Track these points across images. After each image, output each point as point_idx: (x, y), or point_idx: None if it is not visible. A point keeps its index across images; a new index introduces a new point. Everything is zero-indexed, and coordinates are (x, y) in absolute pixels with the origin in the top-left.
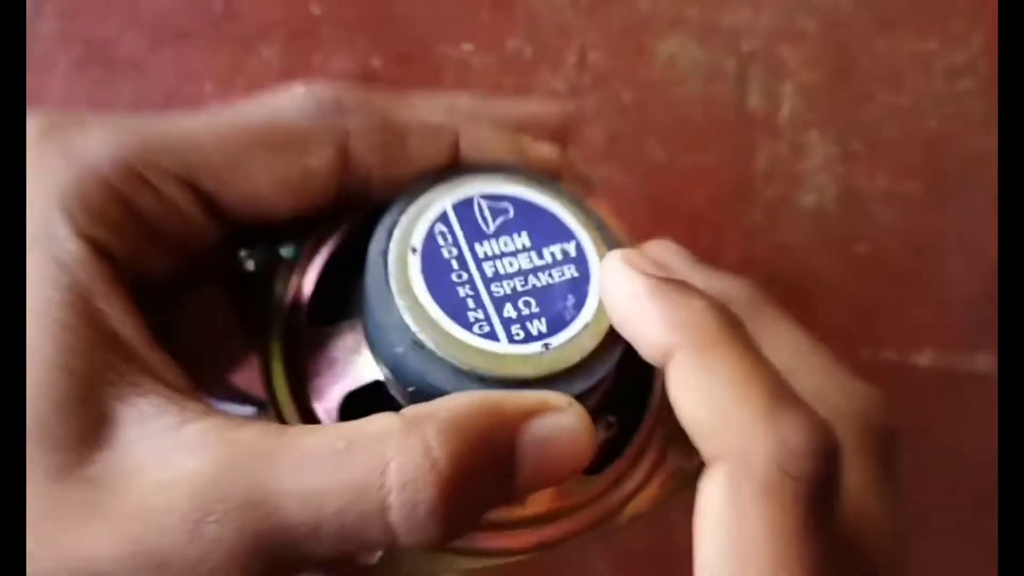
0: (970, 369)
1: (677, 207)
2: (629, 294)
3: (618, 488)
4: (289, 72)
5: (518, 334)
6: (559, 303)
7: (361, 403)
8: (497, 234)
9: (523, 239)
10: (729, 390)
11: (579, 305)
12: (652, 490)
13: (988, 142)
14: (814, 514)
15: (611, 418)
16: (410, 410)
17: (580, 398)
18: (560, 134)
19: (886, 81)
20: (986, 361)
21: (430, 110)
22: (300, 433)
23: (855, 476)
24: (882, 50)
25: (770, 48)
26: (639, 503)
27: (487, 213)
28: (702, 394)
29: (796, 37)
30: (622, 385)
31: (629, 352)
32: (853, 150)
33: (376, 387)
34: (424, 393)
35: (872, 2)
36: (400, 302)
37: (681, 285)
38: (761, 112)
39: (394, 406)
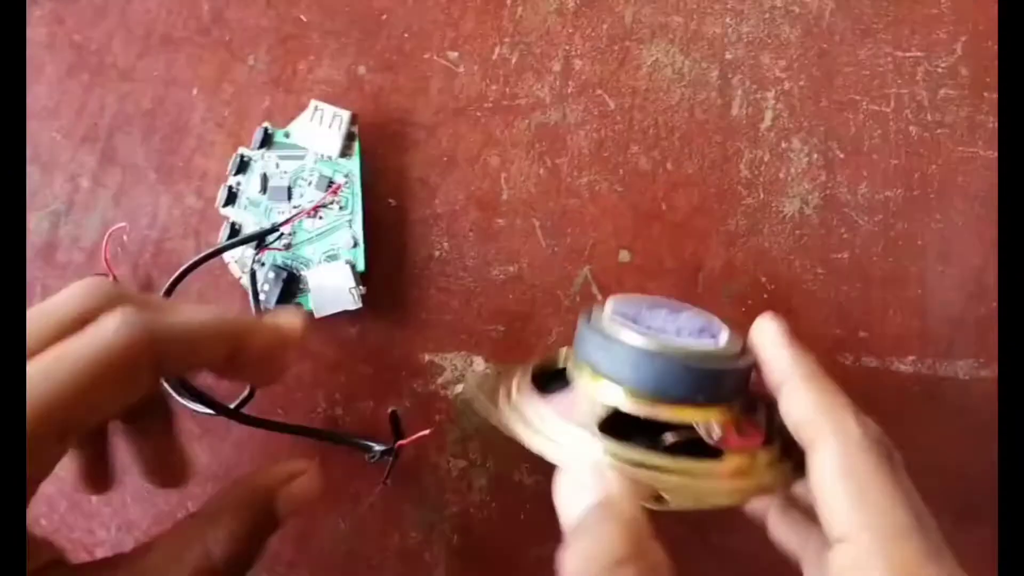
0: (951, 375)
1: (661, 214)
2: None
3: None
4: (276, 79)
5: (694, 337)
6: (706, 331)
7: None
8: (648, 310)
9: (663, 312)
10: (825, 398)
11: (717, 334)
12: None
13: (970, 149)
14: (892, 466)
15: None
16: None
17: (744, 380)
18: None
19: (868, 89)
20: (967, 367)
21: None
22: None
23: None
24: (864, 58)
25: (753, 56)
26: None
27: (637, 309)
28: (807, 400)
29: (778, 45)
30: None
31: None
32: (835, 157)
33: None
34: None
35: (854, 10)
36: (622, 339)
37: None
38: (744, 120)
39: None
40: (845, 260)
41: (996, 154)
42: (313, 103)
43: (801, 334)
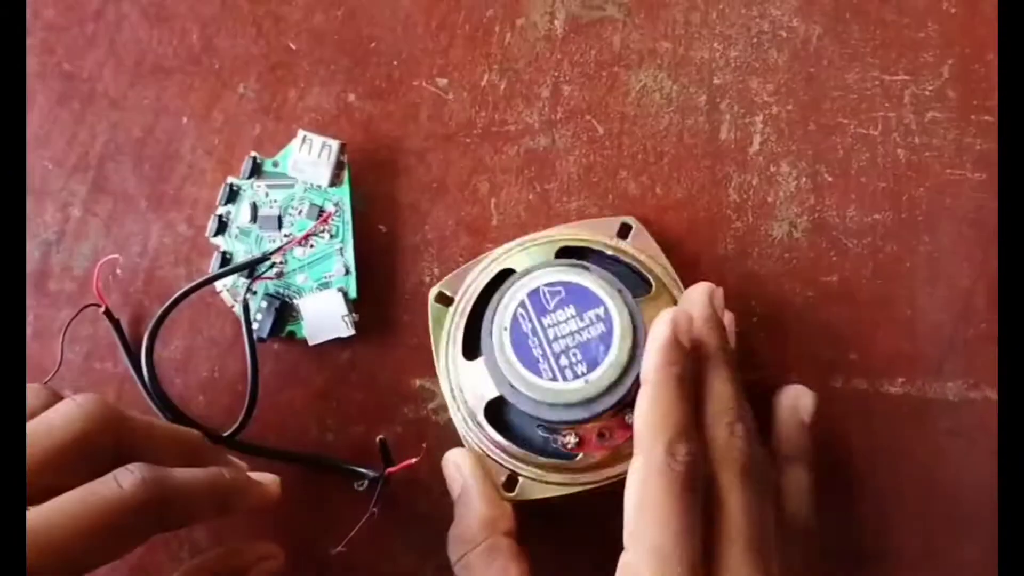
0: (941, 397)
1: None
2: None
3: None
4: (266, 107)
5: (568, 375)
6: (594, 350)
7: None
8: (555, 309)
9: (571, 310)
10: (653, 416)
11: (607, 349)
12: None
13: (958, 172)
14: (683, 496)
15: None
16: None
17: (614, 404)
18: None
19: (856, 112)
20: (956, 389)
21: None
22: None
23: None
24: (851, 81)
25: (741, 81)
26: None
27: (547, 296)
28: (640, 412)
29: (766, 70)
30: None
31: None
32: (824, 181)
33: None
34: (523, 410)
35: (841, 34)
36: (502, 364)
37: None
38: (732, 144)
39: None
40: (834, 283)
41: (984, 176)
42: (301, 133)
43: (791, 357)
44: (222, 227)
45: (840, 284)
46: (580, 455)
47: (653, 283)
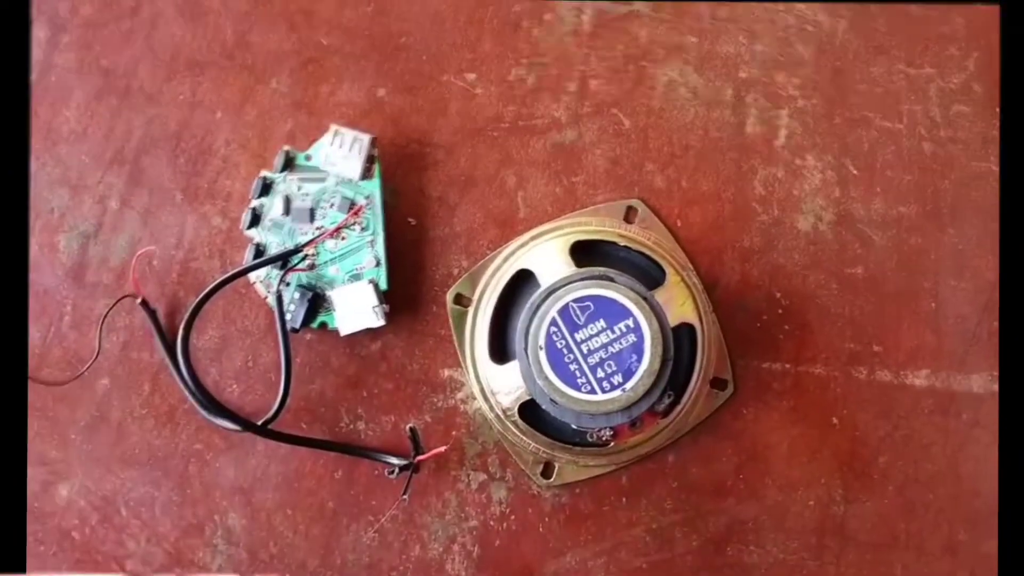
0: (966, 389)
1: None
2: None
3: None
4: (298, 102)
5: (606, 387)
6: (627, 360)
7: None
8: (586, 323)
9: (601, 323)
10: None
11: (639, 358)
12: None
13: (983, 165)
14: None
15: (670, 393)
16: None
17: (650, 407)
18: None
19: (881, 106)
20: (981, 381)
21: None
22: None
23: None
24: (877, 75)
25: (767, 75)
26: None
27: (577, 312)
28: None
29: (792, 64)
30: (675, 378)
31: (676, 365)
32: (849, 174)
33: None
34: (562, 419)
35: (866, 28)
36: (541, 383)
37: None
38: (758, 137)
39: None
40: (859, 275)
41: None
42: (333, 127)
43: (816, 348)
44: (256, 219)
45: (865, 276)
46: (613, 444)
47: (667, 271)
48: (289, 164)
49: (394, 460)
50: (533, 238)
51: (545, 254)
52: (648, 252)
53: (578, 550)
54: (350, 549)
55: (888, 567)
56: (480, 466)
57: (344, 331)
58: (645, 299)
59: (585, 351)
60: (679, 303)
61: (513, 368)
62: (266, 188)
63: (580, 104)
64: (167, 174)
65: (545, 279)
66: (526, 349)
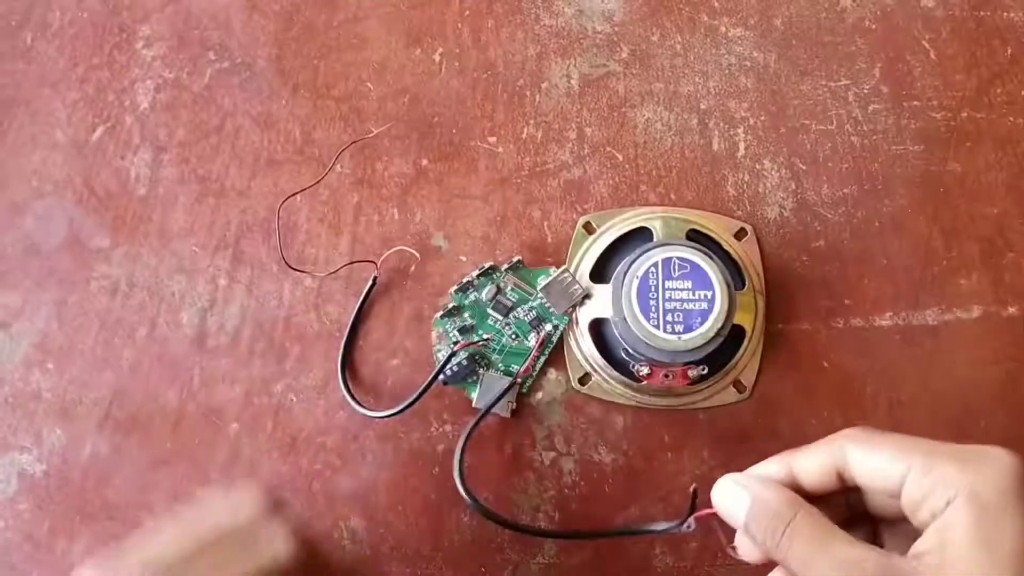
0: (922, 323)
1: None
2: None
3: (705, 392)
4: (360, 179)
5: (668, 328)
6: (694, 319)
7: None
8: (678, 278)
9: (688, 283)
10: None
11: (703, 322)
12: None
13: (901, 148)
14: None
15: (704, 367)
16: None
17: (689, 361)
18: None
19: (814, 114)
20: (933, 315)
21: None
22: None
23: None
24: (806, 91)
25: (721, 103)
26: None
27: (676, 266)
28: (884, 463)
29: (739, 92)
30: (710, 354)
31: (718, 351)
32: (799, 170)
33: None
34: (622, 337)
35: (792, 57)
36: (624, 302)
37: None
38: (724, 152)
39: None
40: (822, 247)
41: (922, 147)
42: (564, 268)
43: (799, 309)
44: (465, 287)
45: (827, 247)
46: (645, 382)
47: (746, 284)
48: (514, 267)
49: (667, 525)
50: (663, 213)
51: (666, 225)
52: (741, 264)
53: (640, 501)
54: (455, 531)
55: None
56: (549, 446)
57: (477, 404)
58: (728, 284)
59: (667, 296)
60: (743, 311)
61: (604, 289)
62: (487, 272)
63: (581, 148)
64: (263, 250)
65: (660, 237)
66: (625, 274)
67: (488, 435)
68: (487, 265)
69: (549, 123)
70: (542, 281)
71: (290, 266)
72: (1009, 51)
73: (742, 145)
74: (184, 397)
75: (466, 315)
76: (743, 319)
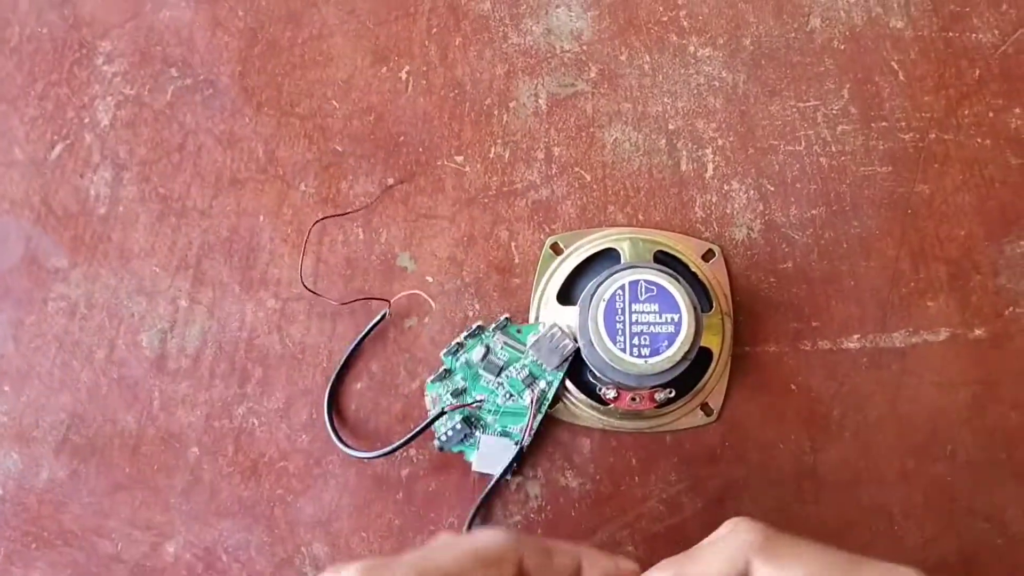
0: (890, 345)
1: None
2: None
3: (672, 415)
4: (325, 198)
5: (635, 352)
6: (661, 342)
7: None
8: (644, 301)
9: (655, 306)
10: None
11: (669, 346)
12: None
13: (870, 169)
14: None
15: (671, 390)
16: None
17: (656, 385)
18: None
19: (782, 135)
20: (901, 337)
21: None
22: None
23: None
24: (775, 112)
25: (690, 123)
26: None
27: (643, 289)
28: None
29: (707, 112)
30: (678, 377)
31: (686, 374)
32: (767, 191)
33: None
34: (589, 360)
35: (760, 77)
36: (590, 325)
37: None
38: (692, 173)
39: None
40: (790, 268)
41: (890, 168)
42: (552, 323)
43: (766, 331)
44: (454, 349)
45: (795, 269)
46: (612, 405)
47: (714, 306)
48: (502, 326)
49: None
50: (631, 234)
51: (634, 246)
52: (708, 286)
53: (606, 526)
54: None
55: (856, 499)
56: (515, 470)
57: (476, 468)
58: (695, 308)
59: (634, 319)
60: (711, 333)
61: (571, 311)
62: (475, 333)
63: (549, 168)
64: (225, 271)
65: (628, 259)
66: (591, 297)
67: (453, 460)
68: (475, 326)
69: (517, 142)
70: (531, 338)
71: (308, 288)
72: (977, 72)
73: (710, 166)
74: (143, 421)
75: (458, 377)
76: (710, 341)
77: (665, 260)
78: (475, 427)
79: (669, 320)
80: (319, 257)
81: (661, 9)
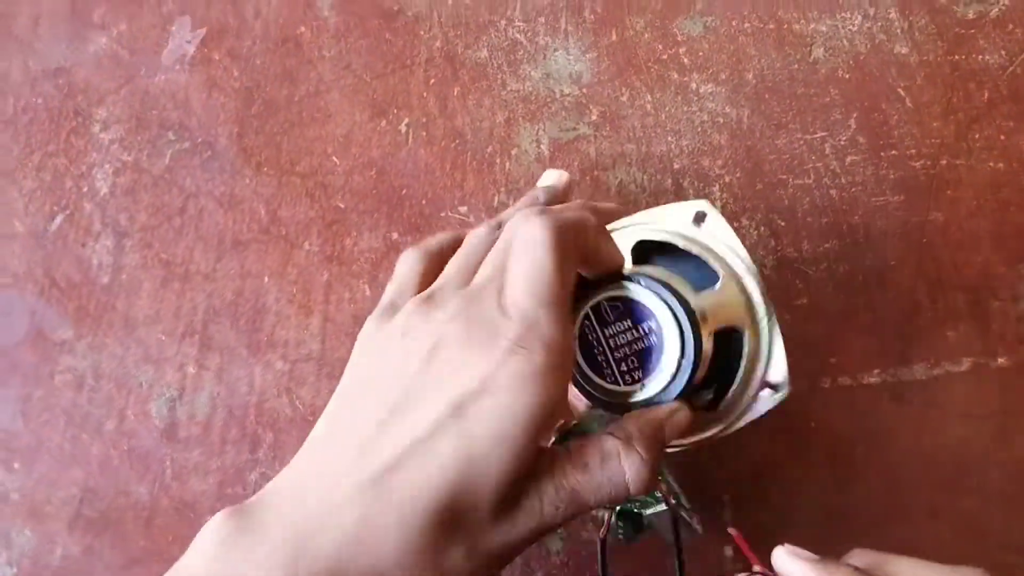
0: (911, 378)
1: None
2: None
3: (717, 422)
4: (329, 256)
5: (628, 379)
6: (650, 358)
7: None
8: (615, 321)
9: (627, 322)
10: None
11: (659, 356)
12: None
13: (881, 199)
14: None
15: (709, 392)
16: (621, 433)
17: (663, 402)
18: None
19: (790, 168)
20: (922, 369)
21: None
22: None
23: None
24: (782, 145)
25: (695, 162)
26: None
27: (608, 310)
28: None
29: (713, 150)
30: (715, 375)
31: (719, 365)
32: (778, 226)
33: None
34: (592, 404)
35: (765, 111)
36: (575, 368)
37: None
38: None
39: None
40: (805, 304)
41: (902, 198)
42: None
43: None
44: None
45: (810, 304)
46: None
47: (720, 275)
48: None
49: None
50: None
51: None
52: (705, 256)
53: None
54: None
55: (885, 539)
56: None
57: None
58: (666, 303)
59: (612, 345)
60: (730, 306)
61: None
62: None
63: None
64: (232, 335)
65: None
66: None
67: None
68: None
69: (521, 189)
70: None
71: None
72: (986, 95)
73: (718, 203)
74: (156, 491)
75: None
76: (731, 315)
77: (645, 250)
78: (631, 519)
79: (647, 329)
80: (326, 316)
81: (660, 47)
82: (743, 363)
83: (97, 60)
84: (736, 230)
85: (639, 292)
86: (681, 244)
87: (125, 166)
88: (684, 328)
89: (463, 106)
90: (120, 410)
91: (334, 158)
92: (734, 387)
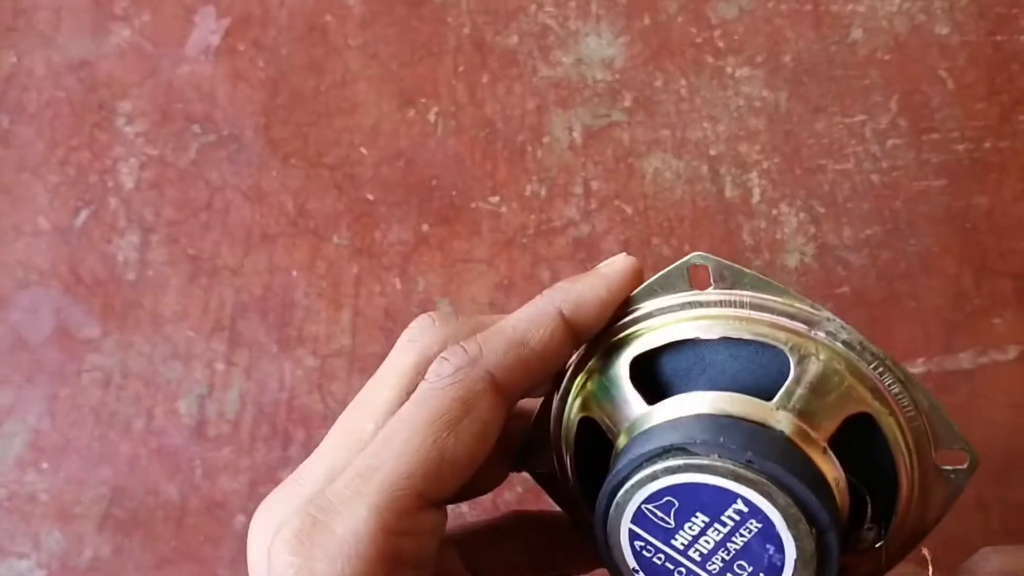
0: (957, 368)
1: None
2: None
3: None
4: (359, 249)
5: None
6: (763, 554)
7: None
8: (679, 524)
9: (701, 518)
10: None
11: (780, 548)
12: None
13: (923, 183)
14: None
15: (868, 524)
16: None
17: None
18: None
19: (830, 153)
20: (969, 358)
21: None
22: None
23: None
24: (821, 129)
25: (732, 148)
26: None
27: (659, 514)
28: None
29: (750, 135)
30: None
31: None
32: (818, 213)
33: None
34: None
35: (804, 94)
36: None
37: None
38: (737, 199)
39: None
40: (848, 293)
41: (945, 182)
42: None
43: None
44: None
45: (852, 293)
46: None
47: (789, 356)
48: None
49: None
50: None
51: (604, 385)
52: (754, 336)
53: None
54: None
55: (933, 532)
56: None
57: None
58: (749, 465)
59: (698, 559)
60: (832, 389)
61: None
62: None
63: (587, 203)
64: (261, 331)
65: (611, 432)
66: (607, 549)
67: None
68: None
69: (553, 178)
70: None
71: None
72: None
73: (756, 190)
74: (186, 491)
75: None
76: (846, 399)
77: (655, 357)
78: None
79: (737, 516)
80: (356, 310)
81: (695, 31)
82: (894, 455)
83: (120, 52)
84: (775, 217)
85: (690, 474)
86: (703, 336)
87: (150, 160)
88: (795, 486)
89: (493, 94)
90: (148, 408)
91: (362, 149)
92: (902, 494)
